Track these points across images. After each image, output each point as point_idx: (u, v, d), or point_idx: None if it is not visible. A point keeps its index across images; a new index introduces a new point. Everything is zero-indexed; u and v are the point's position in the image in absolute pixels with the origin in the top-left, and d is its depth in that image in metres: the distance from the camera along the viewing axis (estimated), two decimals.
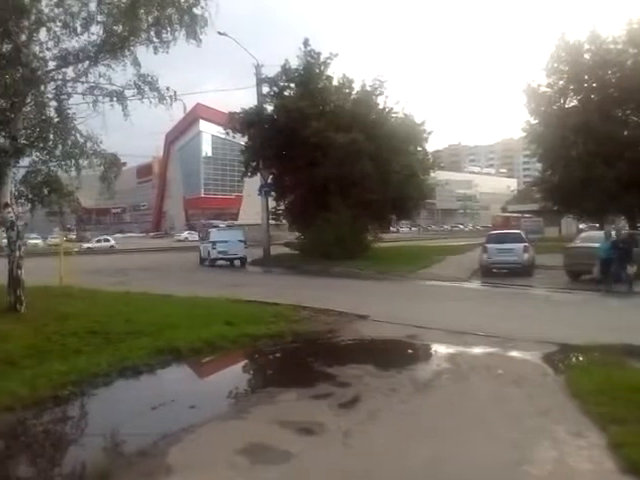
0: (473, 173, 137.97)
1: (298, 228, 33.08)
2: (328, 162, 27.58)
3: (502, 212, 71.86)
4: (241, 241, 30.52)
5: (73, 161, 12.24)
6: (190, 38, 12.19)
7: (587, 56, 41.29)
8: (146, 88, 12.13)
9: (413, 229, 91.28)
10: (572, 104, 42.99)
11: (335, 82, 31.99)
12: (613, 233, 17.98)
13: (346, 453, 5.07)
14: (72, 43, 11.80)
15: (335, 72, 31.88)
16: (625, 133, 39.84)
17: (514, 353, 8.97)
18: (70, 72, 12.08)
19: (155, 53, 12.25)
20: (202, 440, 5.44)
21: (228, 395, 7.18)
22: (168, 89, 12.24)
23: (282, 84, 31.37)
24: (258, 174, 32.81)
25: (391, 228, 55.60)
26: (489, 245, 22.15)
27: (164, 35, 12.07)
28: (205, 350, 9.10)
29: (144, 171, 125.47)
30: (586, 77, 41.25)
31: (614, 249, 16.77)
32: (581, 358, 8.27)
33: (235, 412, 6.44)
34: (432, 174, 36.62)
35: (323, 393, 6.85)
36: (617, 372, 7.19)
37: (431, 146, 36.73)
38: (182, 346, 8.89)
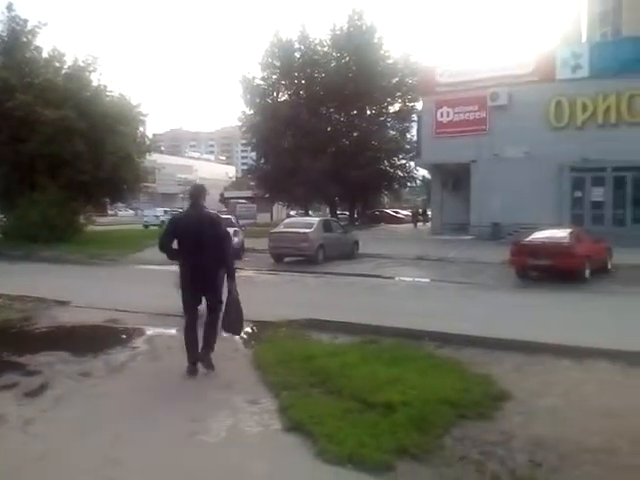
0: (193, 159, 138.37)
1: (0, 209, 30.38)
2: (36, 138, 26.02)
3: (220, 198, 73.73)
4: None
5: None
6: None
7: (297, 55, 44.66)
8: None
9: (130, 212, 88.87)
10: (284, 98, 46.17)
11: (45, 54, 30.11)
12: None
13: (25, 441, 4.95)
14: None
15: (45, 43, 30.08)
16: (329, 129, 44.15)
17: None
18: None
19: None
20: None
21: None
22: None
23: None
24: None
25: (110, 212, 53.42)
26: None
27: None
28: None
29: None
30: (296, 74, 44.62)
31: None
32: (270, 332, 9.04)
33: None
34: (150, 157, 36.23)
35: (8, 383, 6.50)
36: (297, 343, 8.08)
37: (151, 129, 36.54)
38: None
